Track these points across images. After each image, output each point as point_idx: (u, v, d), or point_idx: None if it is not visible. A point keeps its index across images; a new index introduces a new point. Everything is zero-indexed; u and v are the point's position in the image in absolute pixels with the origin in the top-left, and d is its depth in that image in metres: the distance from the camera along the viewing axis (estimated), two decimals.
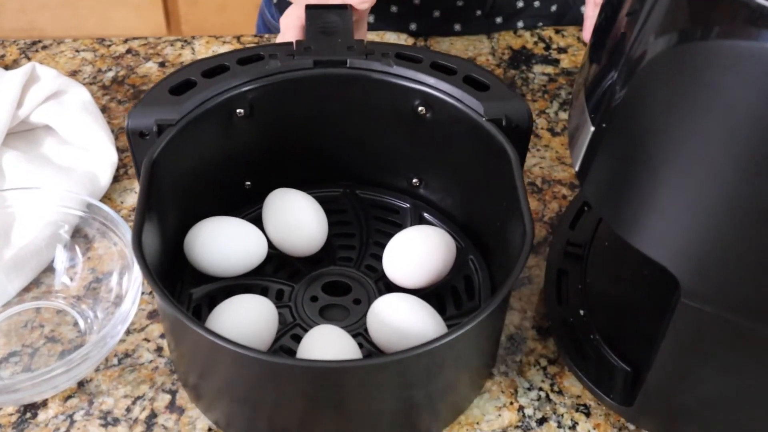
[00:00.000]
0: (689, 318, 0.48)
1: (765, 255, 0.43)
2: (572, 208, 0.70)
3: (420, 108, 0.64)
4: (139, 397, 0.60)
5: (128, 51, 0.88)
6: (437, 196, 0.70)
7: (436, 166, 0.68)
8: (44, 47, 0.88)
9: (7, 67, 0.82)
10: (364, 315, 0.62)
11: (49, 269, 0.66)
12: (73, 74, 0.84)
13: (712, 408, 0.53)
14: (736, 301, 0.46)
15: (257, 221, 0.66)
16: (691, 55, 0.40)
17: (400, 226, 0.69)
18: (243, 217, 0.67)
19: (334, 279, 0.65)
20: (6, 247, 0.66)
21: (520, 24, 0.93)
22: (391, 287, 0.64)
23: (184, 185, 0.62)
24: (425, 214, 0.70)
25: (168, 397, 0.60)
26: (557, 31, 0.92)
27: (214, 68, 0.62)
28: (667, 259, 0.46)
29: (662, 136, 0.44)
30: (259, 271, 0.65)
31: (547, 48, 0.90)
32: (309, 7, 0.68)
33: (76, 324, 0.63)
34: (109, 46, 0.88)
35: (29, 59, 0.86)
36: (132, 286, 0.60)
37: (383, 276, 0.65)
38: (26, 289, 0.65)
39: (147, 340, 0.64)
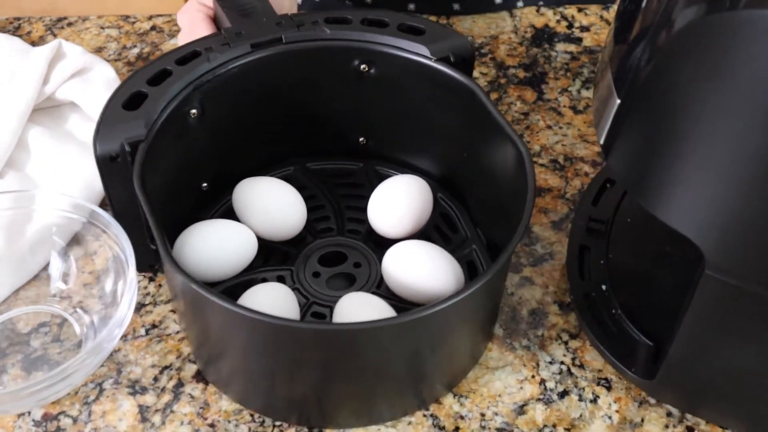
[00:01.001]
0: (713, 290, 0.48)
1: None
2: (595, 184, 0.70)
3: (362, 66, 0.65)
4: (166, 367, 0.61)
5: (152, 28, 0.88)
6: (388, 150, 0.71)
7: (389, 121, 0.69)
8: (69, 24, 0.88)
9: (33, 44, 0.83)
10: (371, 275, 0.63)
11: (44, 273, 0.66)
12: (98, 51, 0.85)
13: (734, 381, 0.53)
14: (760, 273, 0.46)
15: (228, 216, 0.66)
16: (720, 25, 0.40)
17: (361, 187, 0.70)
18: (212, 215, 0.68)
19: (325, 251, 0.66)
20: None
21: (542, 2, 0.93)
22: (381, 242, 0.66)
23: (158, 196, 0.60)
24: (378, 168, 0.72)
25: (194, 367, 0.61)
26: (580, 10, 0.92)
27: (157, 74, 0.61)
28: (692, 231, 0.47)
29: (689, 107, 0.44)
30: (251, 266, 0.64)
31: (570, 26, 0.90)
32: None
33: (72, 328, 0.63)
34: (134, 23, 0.89)
35: (55, 36, 0.86)
36: (128, 290, 0.59)
37: (370, 234, 0.67)
38: (21, 294, 0.65)
39: (173, 311, 0.64)
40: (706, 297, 0.49)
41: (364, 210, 0.67)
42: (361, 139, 0.71)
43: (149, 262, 0.65)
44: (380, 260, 0.63)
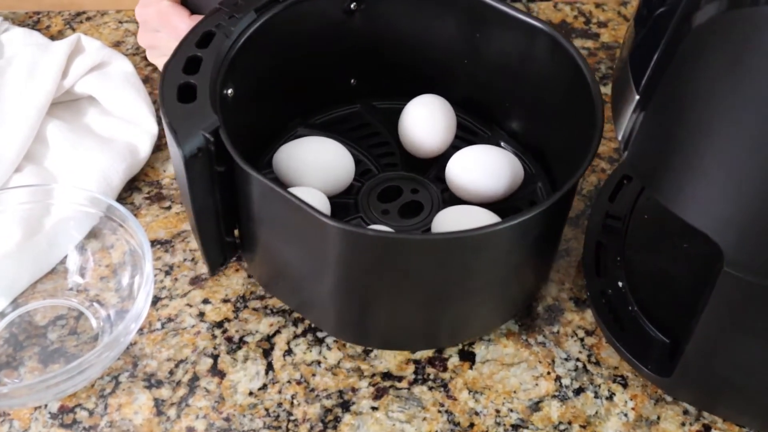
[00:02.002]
0: (731, 287, 0.48)
1: None
2: (611, 181, 0.70)
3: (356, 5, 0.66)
4: (181, 361, 0.61)
5: None
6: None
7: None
8: (88, 18, 0.89)
9: (52, 38, 0.84)
10: (431, 196, 0.67)
11: (61, 267, 0.66)
12: (117, 45, 0.85)
13: (751, 378, 0.53)
14: None
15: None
16: (741, 21, 0.40)
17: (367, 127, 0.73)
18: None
19: (380, 190, 0.67)
20: (17, 242, 0.65)
21: None
22: (419, 164, 0.69)
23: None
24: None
25: (210, 361, 0.61)
26: (597, 5, 0.92)
27: (190, 62, 0.59)
28: (711, 227, 0.46)
29: (709, 102, 0.43)
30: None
31: (587, 22, 0.90)
32: None
33: (89, 322, 0.63)
34: None
35: (73, 30, 0.87)
36: (144, 284, 0.59)
37: (407, 159, 0.70)
38: (38, 287, 0.65)
39: (189, 305, 0.65)
40: (725, 294, 0.49)
41: (390, 143, 0.70)
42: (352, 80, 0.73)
43: (222, 260, 0.63)
44: (429, 180, 0.68)
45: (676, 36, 0.44)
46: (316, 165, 0.65)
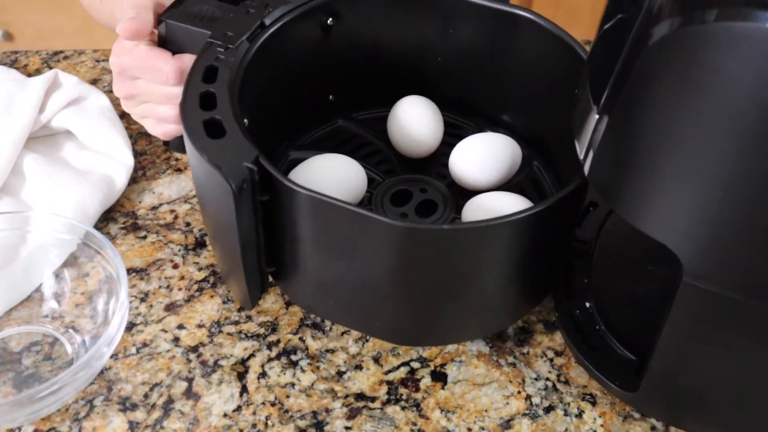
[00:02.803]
0: (691, 298, 0.50)
1: (763, 231, 0.45)
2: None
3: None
4: (156, 384, 0.62)
5: None
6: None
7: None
8: (65, 57, 0.90)
9: (29, 76, 0.85)
10: (440, 190, 0.69)
11: (37, 294, 0.66)
12: (94, 82, 0.87)
13: (715, 389, 0.54)
14: (737, 279, 0.47)
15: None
16: (692, 39, 0.42)
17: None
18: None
19: (390, 196, 0.69)
20: None
21: None
22: (414, 164, 0.72)
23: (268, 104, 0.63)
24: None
25: (185, 384, 0.62)
26: None
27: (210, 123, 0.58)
28: (670, 239, 0.48)
29: (664, 118, 0.46)
30: None
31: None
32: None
33: (64, 348, 0.64)
34: None
35: (51, 68, 0.88)
36: (119, 309, 0.60)
37: (402, 161, 0.72)
38: (13, 314, 0.65)
39: (164, 330, 0.65)
40: (685, 305, 0.50)
41: (382, 150, 0.73)
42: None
43: (260, 293, 0.62)
44: (432, 177, 0.70)
45: (632, 54, 0.46)
46: (332, 181, 0.66)
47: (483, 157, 0.68)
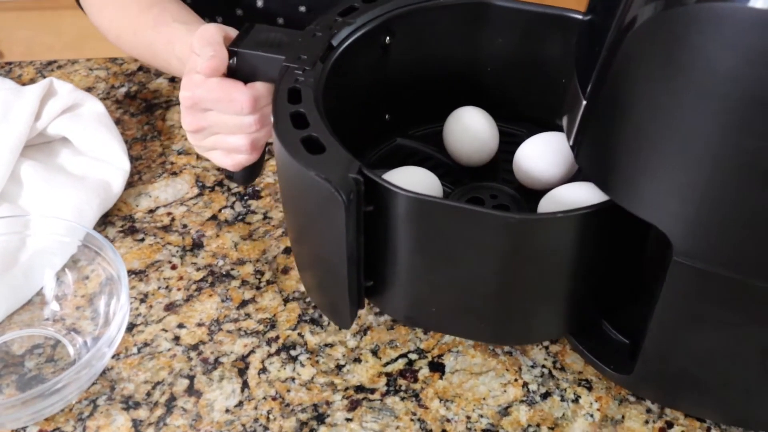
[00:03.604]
0: (682, 276, 0.51)
1: (749, 208, 0.46)
2: None
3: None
4: (158, 383, 0.63)
5: (139, 68, 0.91)
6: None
7: None
8: (59, 67, 0.91)
9: (24, 85, 0.86)
10: (508, 193, 0.70)
11: (38, 297, 0.67)
12: (88, 90, 0.88)
13: (707, 368, 0.55)
14: (726, 256, 0.49)
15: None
16: (673, 21, 0.44)
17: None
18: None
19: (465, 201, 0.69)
20: None
21: None
22: (467, 172, 0.72)
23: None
24: None
25: (186, 381, 0.63)
26: None
27: (296, 117, 0.59)
28: (659, 219, 0.49)
29: (650, 100, 0.47)
30: None
31: None
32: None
33: (66, 349, 0.64)
34: (122, 64, 0.92)
35: (45, 78, 0.89)
36: (120, 310, 0.61)
37: (460, 171, 0.72)
38: (15, 318, 0.66)
39: (165, 330, 0.66)
40: (676, 285, 0.51)
41: (444, 163, 0.73)
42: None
43: (357, 308, 0.62)
44: (498, 182, 0.70)
45: (616, 39, 0.47)
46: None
47: (550, 152, 0.68)
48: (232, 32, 0.65)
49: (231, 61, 0.63)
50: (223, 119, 0.64)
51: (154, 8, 0.75)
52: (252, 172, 0.71)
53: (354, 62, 0.66)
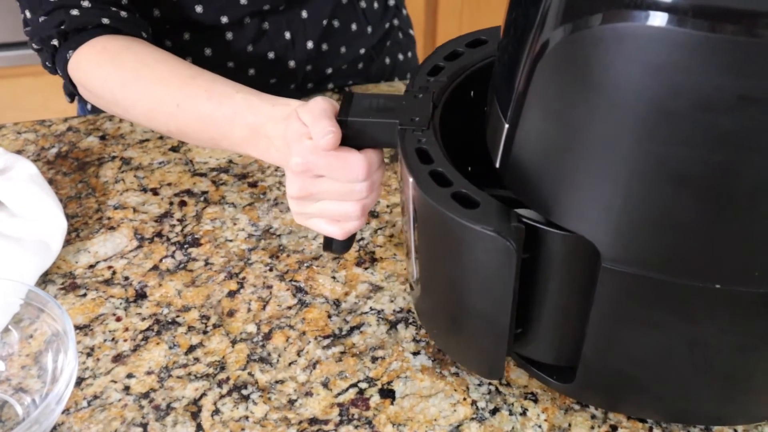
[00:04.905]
0: (612, 283, 0.54)
1: (665, 210, 0.49)
2: None
3: None
4: None
5: (69, 129, 0.92)
6: None
7: None
8: None
9: None
10: None
11: None
12: (17, 153, 0.88)
13: (644, 369, 0.58)
14: (649, 257, 0.52)
15: None
16: (581, 42, 0.47)
17: None
18: None
19: None
20: None
21: (330, 85, 1.00)
22: None
23: None
24: None
25: (140, 429, 0.63)
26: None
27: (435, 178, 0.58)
28: (586, 229, 0.52)
29: (566, 118, 0.50)
30: None
31: None
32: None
33: (14, 409, 0.64)
34: (50, 126, 0.93)
35: None
36: (67, 365, 0.61)
37: None
38: None
39: (114, 381, 0.66)
40: (607, 290, 0.54)
41: None
42: None
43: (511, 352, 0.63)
44: None
45: (532, 64, 0.50)
46: None
47: None
48: (336, 104, 0.65)
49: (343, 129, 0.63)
50: (335, 186, 0.64)
51: (198, 79, 0.74)
52: (351, 239, 0.70)
53: (453, 119, 0.66)
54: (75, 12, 0.80)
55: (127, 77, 0.77)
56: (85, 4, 0.80)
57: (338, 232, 0.67)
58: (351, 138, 0.63)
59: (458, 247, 0.57)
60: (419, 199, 0.57)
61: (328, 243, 0.69)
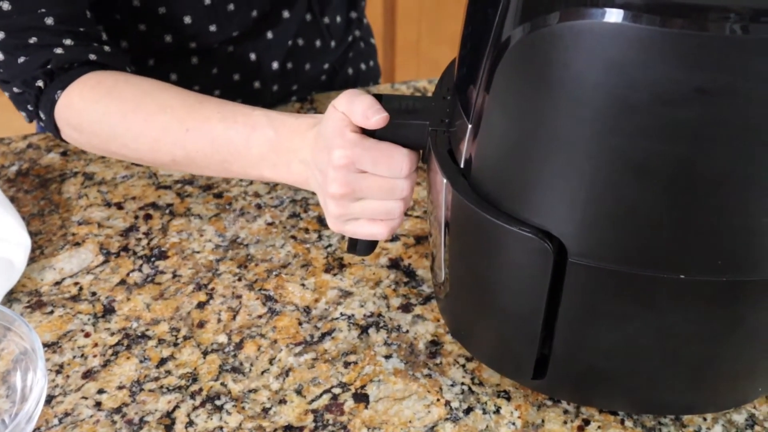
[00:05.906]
0: (579, 277, 0.54)
1: (628, 202, 0.50)
2: None
3: None
4: None
5: (29, 146, 0.91)
6: None
7: None
8: None
9: None
10: None
11: None
12: None
13: (612, 360, 0.59)
14: (613, 250, 0.53)
15: None
16: (540, 40, 0.48)
17: None
18: None
19: None
20: None
21: (294, 98, 1.00)
22: None
23: None
24: None
25: None
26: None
27: None
28: (552, 225, 0.53)
29: (529, 117, 0.51)
30: None
31: (317, 111, 0.97)
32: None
33: None
34: (9, 143, 0.91)
35: None
36: (36, 384, 0.60)
37: None
38: None
39: (85, 397, 0.66)
40: (574, 285, 0.55)
41: None
42: None
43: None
44: None
45: (492, 64, 0.51)
46: None
47: None
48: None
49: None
50: (378, 183, 0.62)
51: (205, 104, 0.72)
52: (375, 241, 0.68)
53: None
54: (59, 50, 0.75)
55: (129, 108, 0.74)
56: (68, 42, 0.76)
57: (382, 231, 0.65)
58: (381, 139, 0.62)
59: (493, 249, 0.57)
60: (454, 201, 0.58)
61: (353, 244, 0.68)
